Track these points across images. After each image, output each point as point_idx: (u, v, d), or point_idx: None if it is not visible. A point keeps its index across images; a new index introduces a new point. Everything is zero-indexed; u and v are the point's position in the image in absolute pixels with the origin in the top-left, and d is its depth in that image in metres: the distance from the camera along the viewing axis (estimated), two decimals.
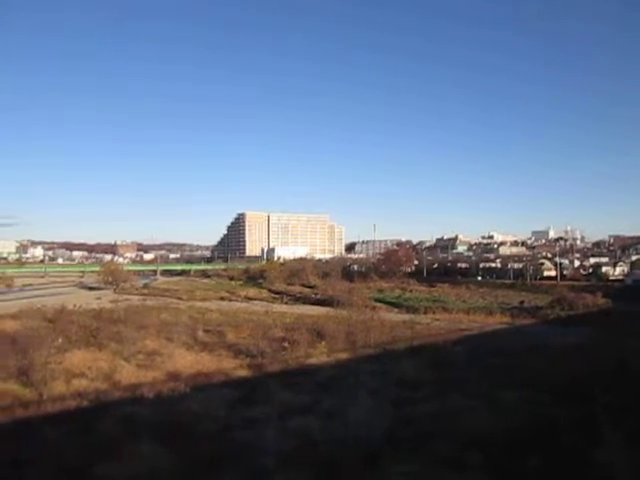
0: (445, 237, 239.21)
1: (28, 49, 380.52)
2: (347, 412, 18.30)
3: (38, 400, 21.72)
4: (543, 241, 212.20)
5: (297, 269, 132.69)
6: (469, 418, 17.21)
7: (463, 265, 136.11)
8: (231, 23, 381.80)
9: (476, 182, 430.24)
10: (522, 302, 71.70)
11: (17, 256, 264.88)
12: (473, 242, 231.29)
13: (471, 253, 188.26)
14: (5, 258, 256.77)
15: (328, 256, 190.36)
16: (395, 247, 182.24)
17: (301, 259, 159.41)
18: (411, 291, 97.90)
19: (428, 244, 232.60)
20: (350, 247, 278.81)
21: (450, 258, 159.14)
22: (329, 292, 78.49)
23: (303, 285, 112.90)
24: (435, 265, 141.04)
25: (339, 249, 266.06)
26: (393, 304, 73.24)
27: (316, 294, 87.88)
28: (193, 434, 16.49)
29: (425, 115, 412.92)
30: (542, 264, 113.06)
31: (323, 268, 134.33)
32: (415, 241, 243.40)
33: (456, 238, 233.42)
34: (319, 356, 30.86)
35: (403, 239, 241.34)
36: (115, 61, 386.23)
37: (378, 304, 65.44)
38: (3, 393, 22.51)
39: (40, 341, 30.18)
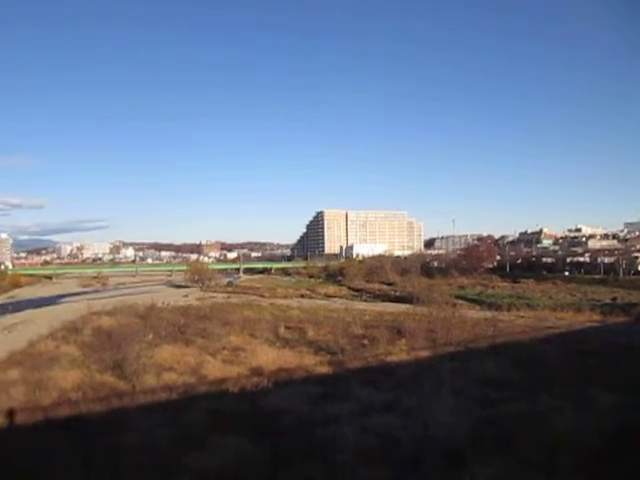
0: (529, 231, 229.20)
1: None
2: (428, 411, 17.98)
3: (131, 392, 23.06)
4: (637, 233, 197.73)
5: (376, 266, 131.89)
6: (558, 419, 16.37)
7: (548, 260, 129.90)
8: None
9: (561, 171, 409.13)
10: (614, 298, 67.40)
11: (111, 257, 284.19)
12: (559, 236, 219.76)
13: (557, 247, 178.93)
14: (100, 259, 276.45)
15: (407, 253, 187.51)
16: (476, 242, 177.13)
17: (380, 256, 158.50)
18: (493, 287, 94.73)
19: (511, 239, 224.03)
20: (429, 243, 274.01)
21: (534, 253, 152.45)
22: (408, 289, 77.69)
23: (382, 282, 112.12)
24: (518, 260, 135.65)
25: (418, 245, 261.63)
26: (475, 301, 71.16)
27: (395, 291, 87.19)
28: (276, 428, 16.87)
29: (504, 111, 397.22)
30: (637, 258, 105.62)
31: (402, 265, 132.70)
32: (497, 236, 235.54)
33: (540, 232, 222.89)
34: (399, 354, 30.53)
35: (484, 234, 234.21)
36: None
37: (459, 301, 63.66)
38: (101, 384, 24.11)
39: (132, 336, 32.01)
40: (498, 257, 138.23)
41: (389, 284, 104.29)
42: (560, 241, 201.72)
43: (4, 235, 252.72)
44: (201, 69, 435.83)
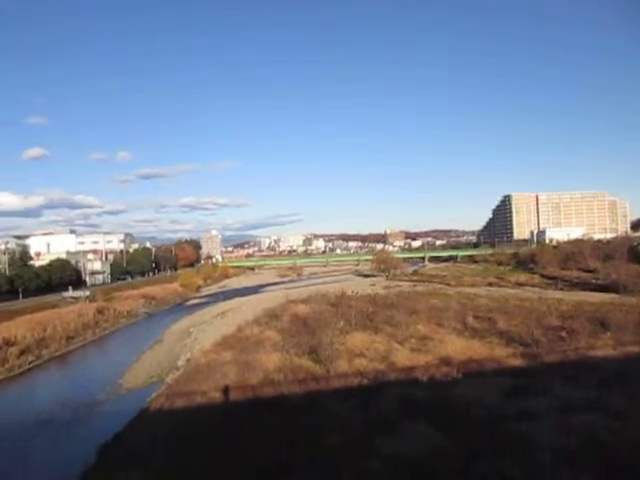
0: None
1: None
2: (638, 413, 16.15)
3: (326, 376, 24.57)
4: None
5: (572, 252, 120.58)
6: None
7: None
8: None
9: None
10: None
11: (304, 248, 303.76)
12: None
13: None
14: (295, 250, 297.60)
15: (609, 236, 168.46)
16: None
17: (577, 240, 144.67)
18: None
19: None
20: (636, 225, 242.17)
21: None
22: (612, 277, 69.61)
23: (580, 269, 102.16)
24: None
25: (623, 228, 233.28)
26: None
27: (596, 279, 78.76)
28: (467, 420, 16.64)
29: None
30: None
31: (604, 250, 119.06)
32: None
33: None
34: (603, 348, 27.72)
35: None
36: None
37: None
38: (299, 367, 26.10)
39: (325, 323, 33.98)
40: None
41: (588, 271, 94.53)
42: None
43: (214, 232, 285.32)
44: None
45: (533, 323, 33.12)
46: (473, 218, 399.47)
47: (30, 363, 39.52)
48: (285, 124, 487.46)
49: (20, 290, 74.37)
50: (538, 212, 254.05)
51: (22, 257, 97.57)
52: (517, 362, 25.84)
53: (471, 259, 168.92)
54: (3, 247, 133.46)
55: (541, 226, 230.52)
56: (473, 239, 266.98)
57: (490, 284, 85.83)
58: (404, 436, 15.57)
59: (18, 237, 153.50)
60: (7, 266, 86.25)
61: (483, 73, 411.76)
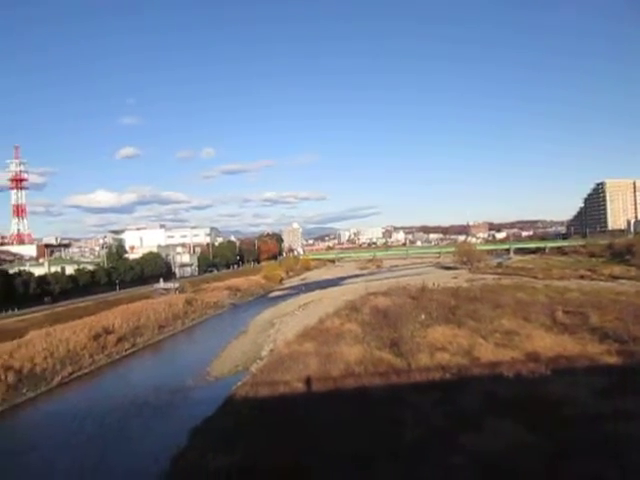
0: None
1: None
2: None
3: (407, 369, 24.40)
4: None
5: None
6: None
7: None
8: None
9: None
10: None
11: (383, 241, 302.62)
12: None
13: None
14: (374, 243, 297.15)
15: None
16: None
17: None
18: None
19: None
20: None
21: None
22: None
23: None
24: None
25: None
26: None
27: None
28: (556, 418, 15.95)
29: None
30: None
31: None
32: None
33: None
34: None
35: None
36: None
37: None
38: (379, 360, 26.10)
39: (406, 316, 33.72)
40: None
41: None
42: None
43: (295, 225, 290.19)
44: None
45: (630, 318, 31.11)
46: (562, 208, 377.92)
47: (126, 350, 42.33)
48: (363, 117, 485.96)
49: (117, 282, 79.60)
50: (636, 200, 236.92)
51: (118, 251, 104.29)
52: (612, 360, 24.30)
53: (560, 251, 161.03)
54: (101, 242, 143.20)
55: (639, 215, 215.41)
56: (562, 230, 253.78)
57: (581, 277, 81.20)
58: (489, 433, 15.20)
59: (114, 232, 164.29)
60: (105, 259, 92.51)
61: (569, 55, 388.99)
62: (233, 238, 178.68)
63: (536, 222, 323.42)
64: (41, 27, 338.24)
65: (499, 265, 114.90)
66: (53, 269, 78.25)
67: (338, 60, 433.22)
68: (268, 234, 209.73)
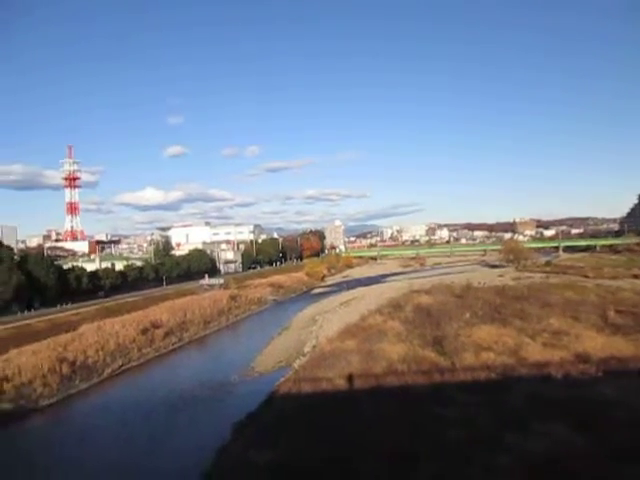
0: None
1: None
2: None
3: (451, 368, 24.04)
4: None
5: None
6: None
7: None
8: None
9: None
10: None
11: (427, 238, 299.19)
12: None
13: None
14: (417, 240, 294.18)
15: None
16: None
17: None
18: None
19: None
20: None
21: None
22: None
23: None
24: None
25: None
26: None
27: None
28: (607, 421, 15.42)
29: None
30: None
31: None
32: None
33: None
34: None
35: None
36: None
37: None
38: (423, 359, 25.81)
39: (450, 315, 33.23)
40: None
41: None
42: None
43: (338, 222, 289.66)
44: None
45: None
46: (614, 204, 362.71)
47: (173, 344, 43.46)
48: (405, 116, 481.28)
49: (164, 278, 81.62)
50: None
51: (165, 247, 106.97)
52: None
53: (612, 249, 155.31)
54: (149, 238, 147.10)
55: None
56: (614, 227, 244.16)
57: (635, 276, 77.90)
58: (536, 434, 14.84)
59: (161, 229, 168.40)
60: (152, 256, 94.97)
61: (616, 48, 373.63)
62: (276, 235, 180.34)
63: (586, 219, 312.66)
64: (98, 36, 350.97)
65: (547, 263, 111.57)
66: (104, 265, 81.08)
67: (379, 60, 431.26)
68: (310, 231, 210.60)
